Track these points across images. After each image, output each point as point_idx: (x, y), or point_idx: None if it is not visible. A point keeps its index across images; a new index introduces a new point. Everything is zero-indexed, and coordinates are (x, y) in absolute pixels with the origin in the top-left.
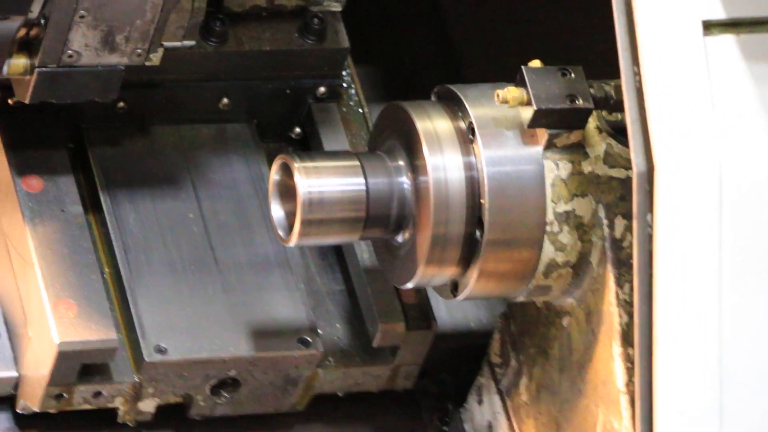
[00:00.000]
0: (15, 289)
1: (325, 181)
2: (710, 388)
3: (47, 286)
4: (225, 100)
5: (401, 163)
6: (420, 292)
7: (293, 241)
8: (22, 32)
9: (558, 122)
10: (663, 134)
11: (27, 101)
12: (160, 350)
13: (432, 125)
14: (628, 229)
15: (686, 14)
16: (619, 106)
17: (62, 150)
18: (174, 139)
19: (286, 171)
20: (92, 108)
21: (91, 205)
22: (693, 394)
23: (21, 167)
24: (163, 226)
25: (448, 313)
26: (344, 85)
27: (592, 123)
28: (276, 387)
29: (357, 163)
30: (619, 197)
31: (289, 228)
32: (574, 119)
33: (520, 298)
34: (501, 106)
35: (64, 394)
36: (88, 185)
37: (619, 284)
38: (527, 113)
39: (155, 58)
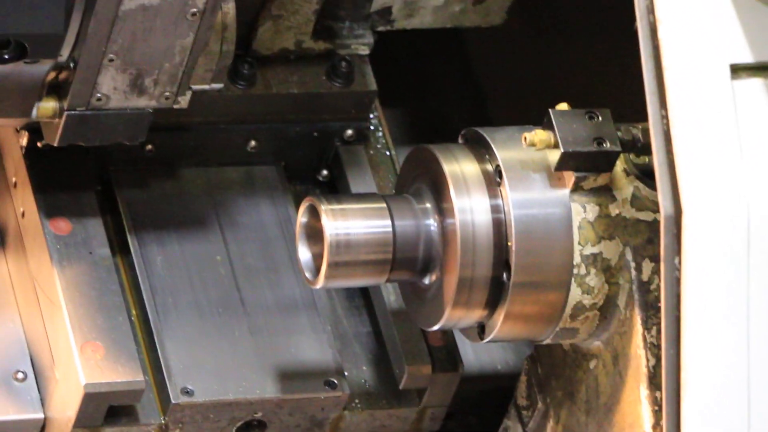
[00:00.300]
0: (42, 331)
1: (352, 223)
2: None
3: (74, 328)
4: (253, 143)
5: (428, 205)
6: (447, 334)
7: (320, 283)
8: (52, 75)
9: (585, 165)
10: (691, 177)
11: (56, 144)
12: (187, 392)
13: (459, 168)
14: (656, 272)
15: (714, 58)
16: (646, 149)
17: (90, 192)
18: (202, 182)
19: (314, 213)
20: (120, 150)
21: (119, 247)
22: None
23: (49, 209)
24: (190, 268)
25: (474, 356)
26: (372, 127)
27: (619, 166)
28: (302, 429)
29: (384, 205)
30: (646, 240)
31: (316, 270)
32: (601, 162)
33: (547, 341)
34: (528, 149)
35: None
36: (116, 227)
37: (647, 327)
38: (554, 156)
39: (183, 101)
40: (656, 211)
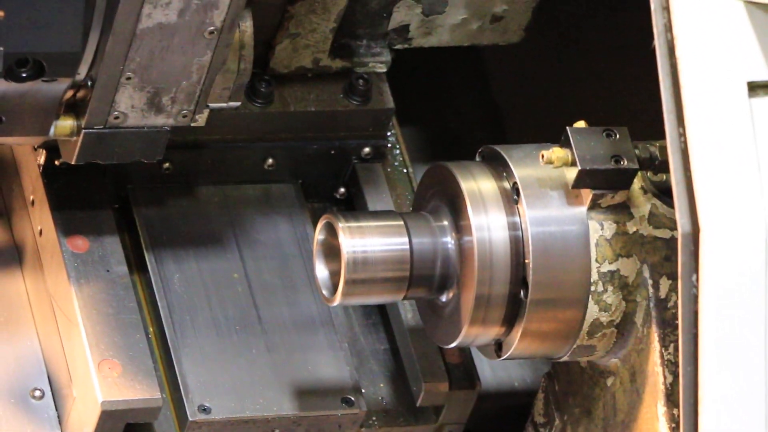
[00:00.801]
0: (60, 349)
1: (370, 241)
2: None
3: (92, 346)
4: (270, 161)
5: (445, 223)
6: (464, 351)
7: (337, 300)
8: (70, 94)
9: (603, 183)
10: (708, 195)
11: (73, 162)
12: (204, 410)
13: (476, 185)
14: (673, 289)
15: (731, 76)
16: (663, 167)
17: (108, 210)
18: (219, 200)
19: (331, 231)
20: (138, 168)
21: (136, 265)
22: None
23: (67, 227)
24: (207, 285)
25: (492, 373)
26: (389, 145)
27: (636, 183)
28: None
29: (401, 223)
30: (663, 257)
31: (333, 288)
32: (618, 180)
33: (564, 358)
34: (545, 167)
35: None
36: (134, 245)
37: (664, 344)
38: (572, 174)
39: (201, 119)
40: (674, 228)
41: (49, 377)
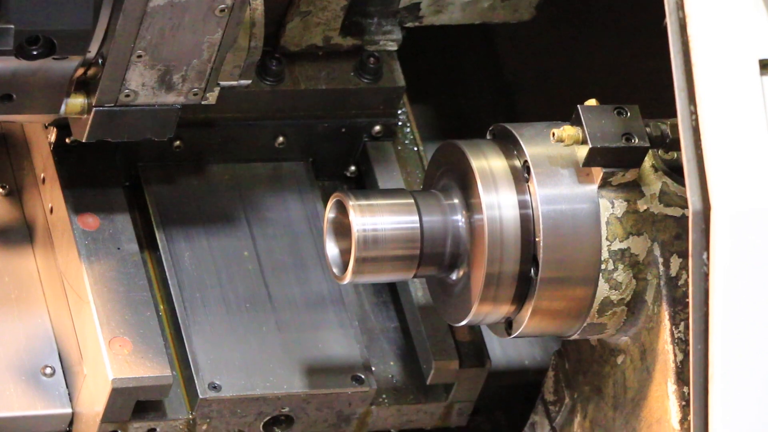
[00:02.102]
0: (71, 327)
1: (380, 219)
2: (766, 427)
3: (102, 324)
4: (281, 139)
5: (456, 201)
6: (474, 329)
7: (347, 278)
8: (80, 72)
9: (613, 161)
10: (719, 173)
11: (84, 140)
12: (214, 387)
13: (487, 163)
14: (684, 267)
15: (743, 53)
16: (674, 145)
17: (118, 188)
18: (229, 178)
19: (341, 209)
20: (148, 146)
21: (147, 243)
22: None
23: (78, 205)
24: (218, 263)
25: (502, 351)
26: (400, 123)
27: (647, 161)
28: (329, 424)
29: (412, 201)
30: (674, 235)
31: (344, 266)
32: (629, 158)
33: (575, 336)
34: (556, 145)
35: (119, 431)
36: (144, 223)
37: (674, 322)
38: (582, 152)
39: (212, 97)
40: (684, 206)
41: (60, 354)
